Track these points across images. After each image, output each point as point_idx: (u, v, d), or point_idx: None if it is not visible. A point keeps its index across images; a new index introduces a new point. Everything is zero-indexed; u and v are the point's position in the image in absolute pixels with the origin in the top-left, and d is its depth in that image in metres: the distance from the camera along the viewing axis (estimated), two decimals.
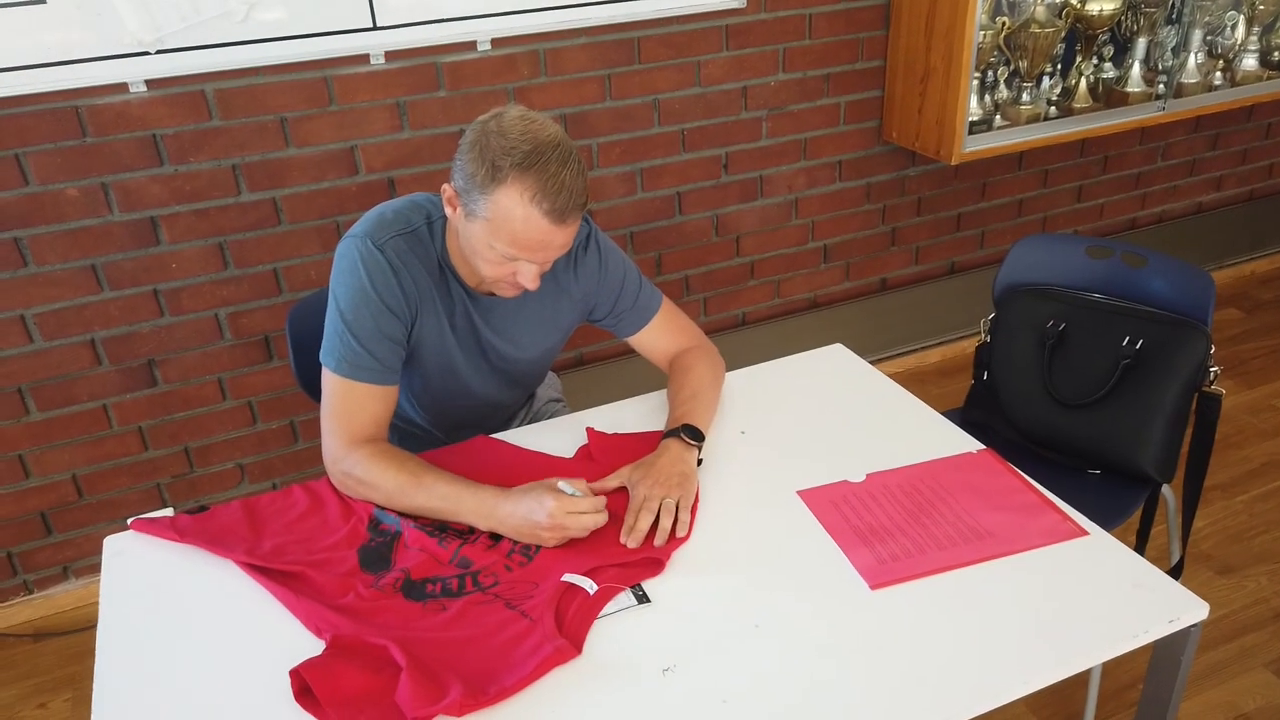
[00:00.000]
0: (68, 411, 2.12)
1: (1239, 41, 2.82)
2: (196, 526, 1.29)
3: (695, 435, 1.38)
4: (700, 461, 1.39)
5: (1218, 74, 2.82)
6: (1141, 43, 2.68)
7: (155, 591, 1.22)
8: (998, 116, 2.59)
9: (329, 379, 1.34)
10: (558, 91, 2.26)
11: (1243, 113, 3.23)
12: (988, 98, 2.61)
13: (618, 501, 1.31)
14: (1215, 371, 1.68)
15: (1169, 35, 2.71)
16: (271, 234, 2.13)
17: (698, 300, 2.69)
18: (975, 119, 2.53)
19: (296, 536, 1.28)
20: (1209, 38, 2.79)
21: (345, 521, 1.29)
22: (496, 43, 2.15)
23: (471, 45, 2.13)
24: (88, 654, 2.13)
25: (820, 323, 2.85)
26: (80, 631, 2.21)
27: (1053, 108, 2.65)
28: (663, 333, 1.58)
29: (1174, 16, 2.69)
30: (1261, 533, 2.28)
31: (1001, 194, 2.97)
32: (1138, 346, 1.71)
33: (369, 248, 1.32)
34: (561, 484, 1.24)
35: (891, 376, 1.63)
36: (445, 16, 2.06)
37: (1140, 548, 1.80)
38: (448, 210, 1.31)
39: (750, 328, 2.78)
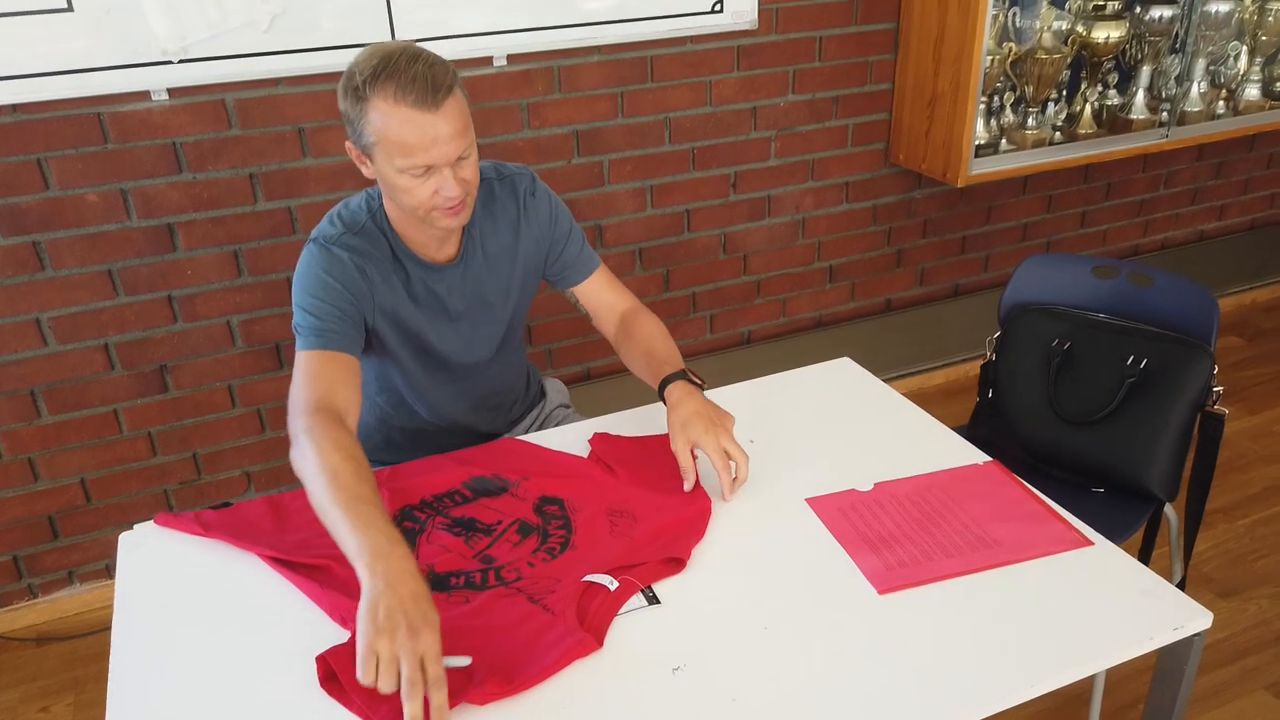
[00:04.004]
0: (79, 415, 2.14)
1: (1242, 72, 2.86)
2: (221, 520, 1.31)
3: (685, 376, 1.43)
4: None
5: (1220, 103, 2.86)
6: (1146, 70, 2.72)
7: (171, 586, 1.23)
8: (1003, 141, 2.63)
9: (296, 360, 1.35)
10: (571, 108, 2.30)
11: (1245, 142, 3.26)
12: (994, 122, 2.64)
13: (633, 499, 1.33)
14: (1218, 392, 1.69)
15: (1173, 64, 2.75)
16: (286, 242, 2.16)
17: (704, 317, 2.71)
18: (981, 143, 2.57)
19: (320, 530, 1.28)
20: (1212, 67, 2.83)
21: None
22: (512, 59, 2.19)
23: (488, 61, 2.17)
24: (91, 659, 2.13)
25: (825, 342, 2.87)
26: (84, 636, 2.20)
27: (1058, 133, 2.69)
28: (607, 287, 1.62)
29: (1178, 46, 2.73)
30: (1263, 556, 2.29)
31: (1006, 217, 3.00)
32: (1143, 365, 1.73)
33: (322, 246, 1.39)
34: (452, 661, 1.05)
35: None
36: (463, 32, 2.10)
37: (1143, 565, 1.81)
38: (361, 169, 1.35)
39: (756, 345, 2.81)
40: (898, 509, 1.31)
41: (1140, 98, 2.73)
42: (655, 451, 1.41)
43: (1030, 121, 2.63)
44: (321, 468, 1.16)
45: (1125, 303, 1.84)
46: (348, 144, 1.34)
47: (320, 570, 1.21)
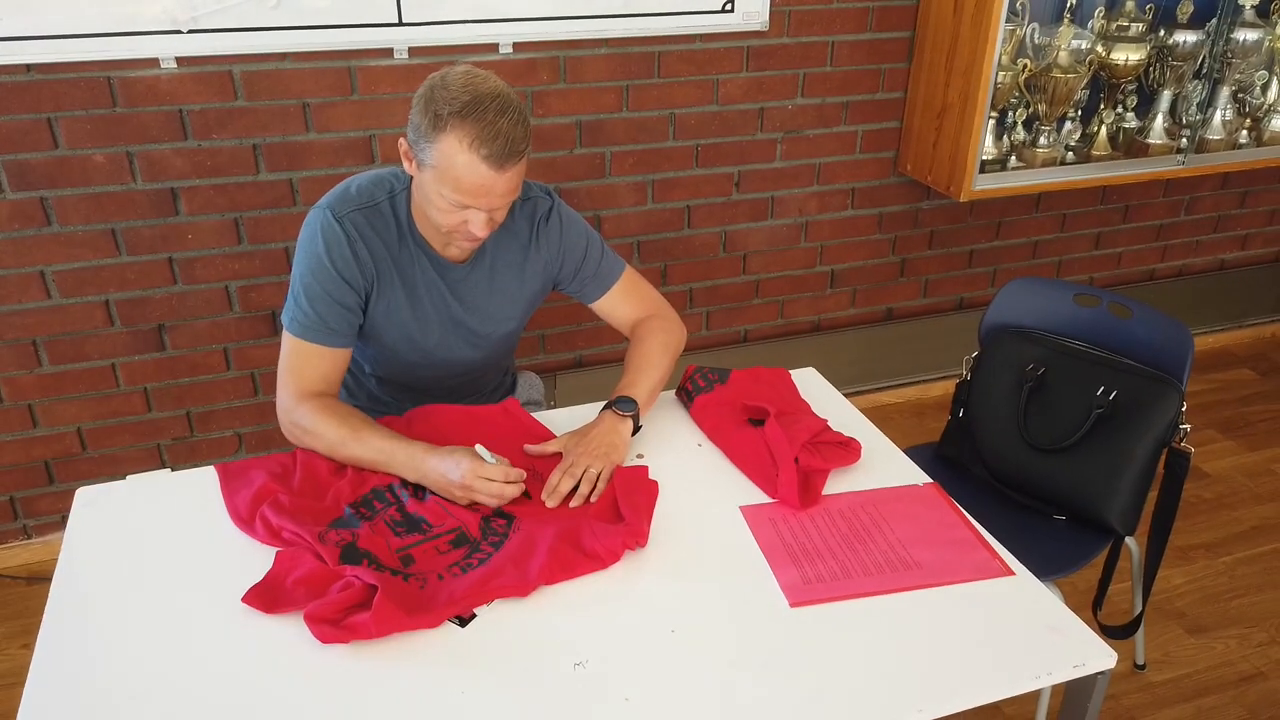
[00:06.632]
0: (78, 367, 2.21)
1: (1270, 102, 2.80)
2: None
3: (628, 406, 1.47)
4: (639, 428, 1.49)
5: (1244, 132, 2.80)
6: (1167, 95, 2.67)
7: (115, 545, 1.27)
8: (1013, 157, 2.60)
9: (284, 338, 1.44)
10: (576, 98, 2.31)
11: (1274, 172, 3.19)
12: (1006, 138, 2.62)
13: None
14: (1185, 429, 1.68)
15: (1196, 90, 2.69)
16: (286, 214, 2.20)
17: (701, 313, 2.72)
18: (989, 158, 2.54)
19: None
20: (1239, 95, 2.77)
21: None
22: (518, 46, 2.21)
23: (493, 47, 2.19)
24: None
25: (822, 346, 2.87)
26: None
27: (1070, 153, 2.65)
28: (623, 300, 1.66)
29: (1202, 71, 2.67)
30: (1239, 596, 2.26)
31: (1017, 234, 2.97)
32: (1112, 397, 1.72)
33: (329, 219, 1.41)
34: (480, 450, 1.34)
35: (893, 406, 1.66)
36: (469, 18, 2.12)
37: (1100, 597, 1.81)
38: (405, 164, 1.38)
39: (751, 345, 2.81)
40: (827, 523, 1.32)
41: (1159, 122, 2.68)
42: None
43: (1042, 140, 2.60)
44: (335, 441, 1.38)
45: (1103, 332, 1.82)
46: (402, 141, 1.37)
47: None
